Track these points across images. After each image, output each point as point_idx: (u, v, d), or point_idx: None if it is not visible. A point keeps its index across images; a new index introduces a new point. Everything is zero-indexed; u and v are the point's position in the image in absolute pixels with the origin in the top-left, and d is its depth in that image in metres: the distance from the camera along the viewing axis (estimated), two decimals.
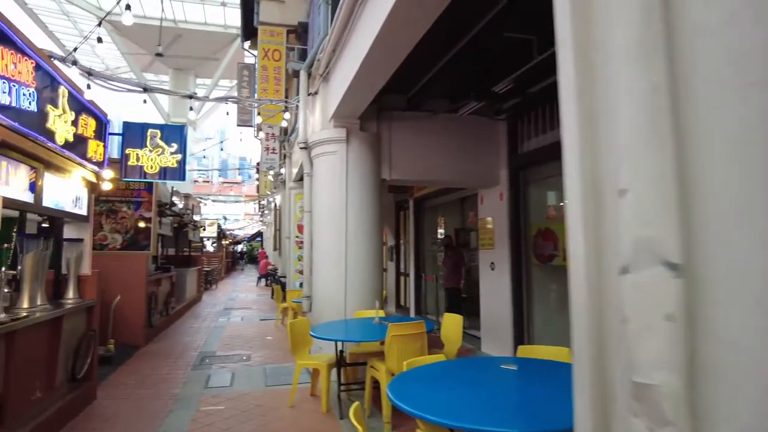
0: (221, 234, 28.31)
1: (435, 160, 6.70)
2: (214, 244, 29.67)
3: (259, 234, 42.13)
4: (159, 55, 26.23)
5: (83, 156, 4.57)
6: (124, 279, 7.61)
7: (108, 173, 4.88)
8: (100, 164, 4.96)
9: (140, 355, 7.12)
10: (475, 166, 6.87)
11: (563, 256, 6.05)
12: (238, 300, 15.61)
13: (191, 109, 7.19)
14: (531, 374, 2.88)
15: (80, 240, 4.86)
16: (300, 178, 11.19)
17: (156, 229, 7.90)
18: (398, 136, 6.54)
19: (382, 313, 5.16)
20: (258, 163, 33.12)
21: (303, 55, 11.48)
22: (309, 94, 6.66)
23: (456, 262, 8.54)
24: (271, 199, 22.74)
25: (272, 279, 18.04)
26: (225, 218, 45.53)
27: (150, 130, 5.49)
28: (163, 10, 23.09)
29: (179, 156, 5.63)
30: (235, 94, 24.68)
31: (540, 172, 6.52)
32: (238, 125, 24.68)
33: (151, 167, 5.47)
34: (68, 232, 4.92)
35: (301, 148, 6.43)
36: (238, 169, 21.98)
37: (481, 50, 5.02)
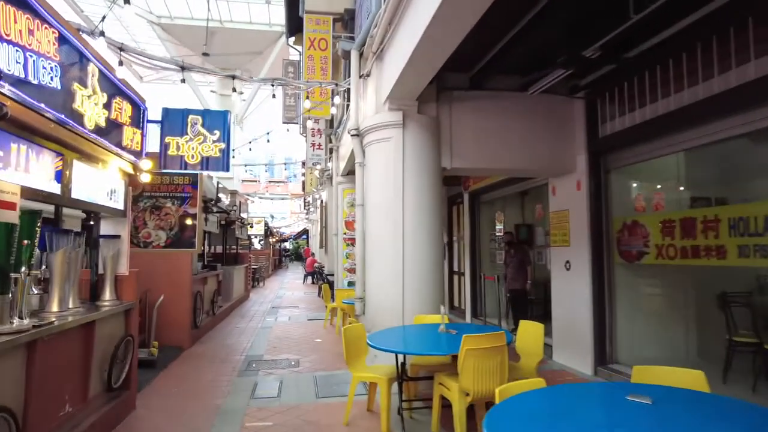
0: (268, 232, 28.40)
1: (501, 146, 5.95)
2: (262, 242, 29.85)
3: (305, 232, 42.32)
4: (205, 54, 26.55)
5: (118, 144, 4.15)
6: (168, 278, 7.29)
7: (146, 163, 4.45)
8: (137, 154, 4.53)
9: (184, 359, 6.76)
10: (546, 152, 6.06)
11: (655, 253, 5.18)
12: (285, 298, 15.32)
13: (234, 90, 6.73)
14: (674, 412, 2.13)
15: (117, 237, 4.46)
16: (348, 173, 10.67)
17: (201, 225, 7.54)
18: (460, 119, 5.83)
19: (446, 320, 4.49)
20: (303, 162, 33.14)
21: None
22: (361, 76, 6.05)
23: (521, 261, 7.75)
24: (316, 196, 22.48)
25: (319, 277, 17.69)
26: (272, 216, 46.05)
27: (191, 117, 5.04)
28: (209, 10, 23.26)
29: (222, 144, 5.16)
30: (280, 92, 24.59)
31: (625, 157, 5.65)
32: (283, 122, 24.64)
33: (192, 157, 5.03)
34: (104, 228, 4.53)
35: (352, 135, 5.84)
36: (284, 163, 21.83)
37: (560, 13, 4.25)
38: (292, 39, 20.60)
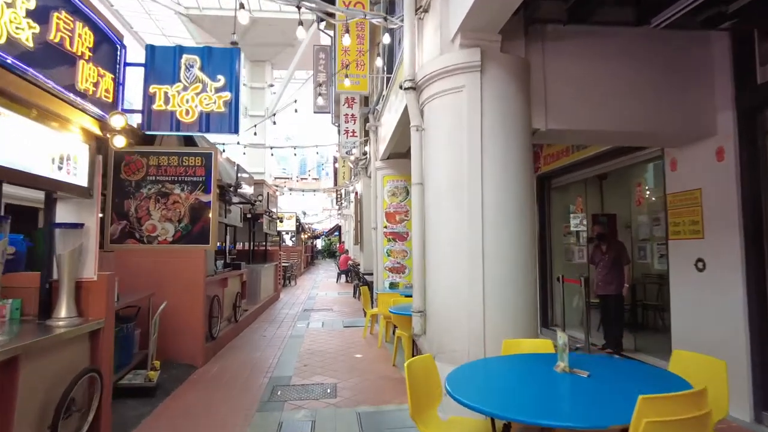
0: (300, 228, 27.26)
1: (610, 101, 4.32)
2: (293, 238, 28.77)
3: (337, 228, 41.18)
4: (234, 44, 25.49)
5: (70, 87, 2.76)
6: (177, 280, 5.98)
7: (117, 120, 3.05)
8: (109, 108, 3.15)
9: (194, 383, 5.42)
10: (672, 110, 4.40)
11: None
12: (317, 299, 13.98)
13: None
14: None
15: (79, 226, 3.09)
16: (389, 156, 9.18)
17: (216, 216, 6.18)
18: (556, 63, 4.24)
19: (552, 349, 2.94)
20: (335, 157, 31.82)
21: (391, 6, 9.43)
22: (417, 10, 4.51)
23: (616, 259, 6.07)
24: (350, 189, 21.09)
25: (354, 275, 16.31)
26: (304, 213, 45.11)
27: (185, 57, 3.59)
28: None
29: (227, 95, 3.70)
30: (311, 83, 23.34)
31: None
32: (315, 112, 23.41)
33: (187, 113, 3.61)
34: (64, 213, 3.17)
35: (405, 89, 4.31)
36: (316, 146, 20.56)
37: None
38: (323, 24, 19.28)
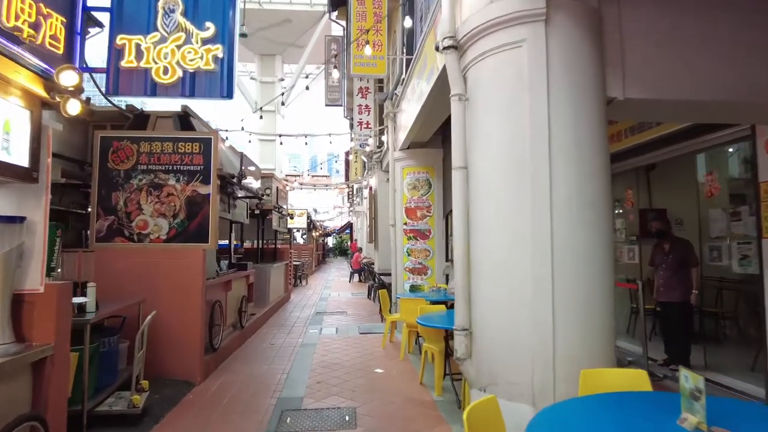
0: (311, 225, 26.51)
1: (702, 65, 3.43)
2: (304, 236, 28.06)
3: (349, 226, 40.42)
4: (243, 35, 24.75)
5: None
6: (172, 284, 5.20)
7: (68, 76, 2.25)
8: (57, 60, 2.34)
9: (188, 405, 4.63)
10: None
11: None
12: (330, 300, 13.18)
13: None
14: None
15: (16, 220, 2.30)
16: (410, 146, 8.33)
17: (216, 210, 5.39)
18: (635, 15, 3.36)
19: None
20: (347, 153, 30.98)
21: None
22: None
23: (682, 261, 5.18)
24: (363, 183, 20.28)
25: (368, 275, 15.50)
26: (315, 210, 44.43)
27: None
28: None
29: (218, 48, 2.88)
30: (323, 76, 22.54)
31: None
32: (326, 105, 22.60)
33: (166, 71, 2.81)
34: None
35: (444, 48, 3.46)
36: (329, 134, 19.74)
37: None
38: (335, 13, 18.50)
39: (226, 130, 14.83)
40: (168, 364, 5.07)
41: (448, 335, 4.45)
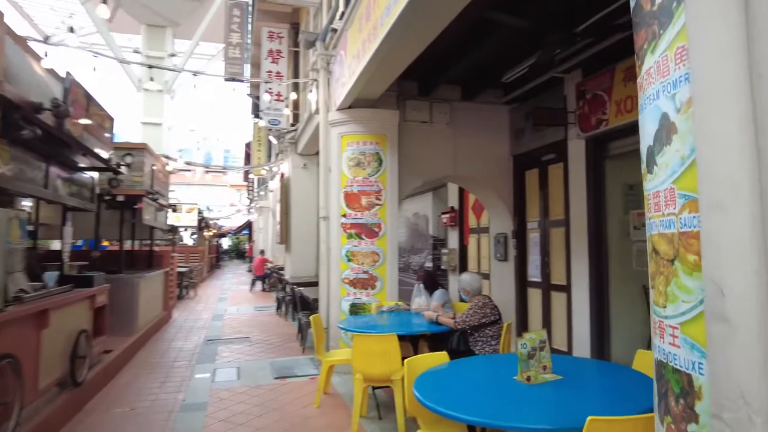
0: (203, 223, 22.72)
1: None
2: (194, 236, 24.13)
3: (248, 225, 36.60)
4: None
5: None
6: None
7: None
8: None
9: None
10: None
11: None
12: (227, 319, 10.18)
13: None
14: None
15: None
16: (352, 104, 5.80)
17: None
18: None
19: None
20: (248, 144, 27.38)
21: None
22: None
23: None
24: (269, 175, 17.29)
25: (277, 282, 12.67)
26: (208, 208, 39.83)
27: None
28: None
29: None
30: (222, 57, 19.14)
31: None
32: (225, 80, 19.17)
33: None
34: None
35: None
36: (233, 83, 16.42)
37: None
38: None
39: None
40: None
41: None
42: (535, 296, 6.28)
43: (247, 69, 18.33)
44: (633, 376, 2.65)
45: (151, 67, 6.33)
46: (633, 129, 4.67)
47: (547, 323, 5.99)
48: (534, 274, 6.29)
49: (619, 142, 4.96)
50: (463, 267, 8.00)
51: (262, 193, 21.39)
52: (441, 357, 3.01)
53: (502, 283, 6.77)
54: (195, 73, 7.75)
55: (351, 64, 4.97)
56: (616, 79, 4.66)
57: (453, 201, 8.40)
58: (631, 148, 4.91)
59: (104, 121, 4.67)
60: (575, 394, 2.42)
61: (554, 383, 2.49)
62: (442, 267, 8.65)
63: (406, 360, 2.84)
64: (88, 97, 4.25)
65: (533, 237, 6.35)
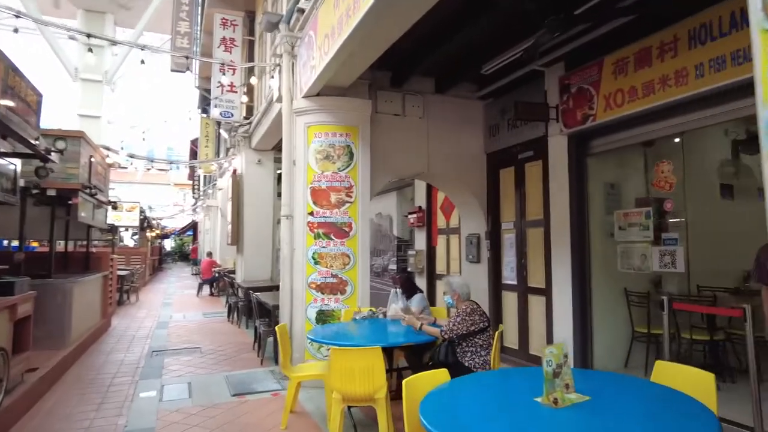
0: (146, 223, 21.27)
1: None
2: (135, 236, 22.61)
3: (193, 225, 34.93)
4: None
5: None
6: None
7: None
8: None
9: None
10: None
11: None
12: (173, 327, 9.33)
13: None
14: None
15: None
16: (320, 92, 5.25)
17: None
18: None
19: None
20: (193, 141, 25.97)
21: None
22: None
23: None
24: (218, 171, 16.37)
25: (228, 288, 11.86)
26: (150, 208, 37.62)
27: None
28: None
29: None
30: (168, 47, 18.00)
31: None
32: (172, 70, 18.05)
33: None
34: None
35: None
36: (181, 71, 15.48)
37: None
38: None
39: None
40: None
41: None
42: (510, 300, 6.01)
43: (196, 65, 17.42)
44: (659, 392, 2.35)
45: (89, 36, 5.48)
46: (624, 124, 4.49)
47: (524, 328, 5.74)
48: (509, 276, 6.03)
49: (605, 139, 4.76)
50: (431, 269, 7.66)
51: (209, 191, 20.28)
52: (441, 375, 2.59)
53: (475, 286, 6.43)
54: (143, 48, 6.92)
55: (323, 45, 4.48)
56: (605, 72, 4.44)
57: (420, 200, 8.04)
58: (617, 145, 4.73)
59: (29, 96, 3.93)
60: (611, 420, 2.07)
61: (583, 406, 2.13)
62: (409, 269, 8.27)
63: (404, 381, 2.40)
64: (11, 68, 3.53)
65: (508, 238, 6.09)
